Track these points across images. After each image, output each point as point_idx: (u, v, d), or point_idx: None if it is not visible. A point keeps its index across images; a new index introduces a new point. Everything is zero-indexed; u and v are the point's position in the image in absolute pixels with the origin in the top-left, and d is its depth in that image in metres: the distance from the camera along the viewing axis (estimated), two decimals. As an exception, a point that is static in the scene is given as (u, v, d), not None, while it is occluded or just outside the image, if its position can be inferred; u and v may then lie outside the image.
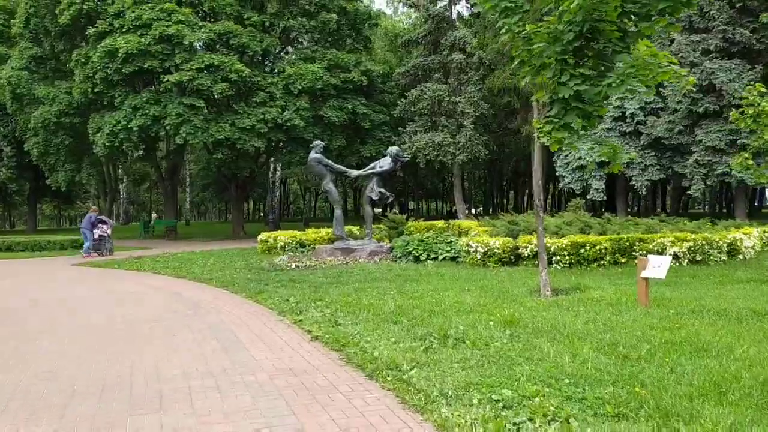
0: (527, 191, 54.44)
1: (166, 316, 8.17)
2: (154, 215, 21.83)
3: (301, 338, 6.57)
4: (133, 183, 47.69)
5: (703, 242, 11.88)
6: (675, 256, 11.77)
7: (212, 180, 47.14)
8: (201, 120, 24.20)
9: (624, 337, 5.76)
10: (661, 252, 11.83)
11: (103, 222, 20.03)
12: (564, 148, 24.14)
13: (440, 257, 13.85)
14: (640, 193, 24.18)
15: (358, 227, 18.64)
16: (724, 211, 42.73)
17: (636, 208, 43.11)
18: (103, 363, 5.68)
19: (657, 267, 7.12)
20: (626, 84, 7.78)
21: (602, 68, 8.56)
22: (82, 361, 5.79)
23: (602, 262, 11.85)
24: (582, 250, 11.90)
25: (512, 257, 12.79)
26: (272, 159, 32.88)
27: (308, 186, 56.77)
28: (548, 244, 12.16)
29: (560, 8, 7.48)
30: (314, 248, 16.59)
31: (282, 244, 17.15)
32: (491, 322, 6.56)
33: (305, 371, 5.18)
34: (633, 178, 23.00)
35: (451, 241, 14.49)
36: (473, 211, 51.96)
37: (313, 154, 15.63)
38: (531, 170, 34.49)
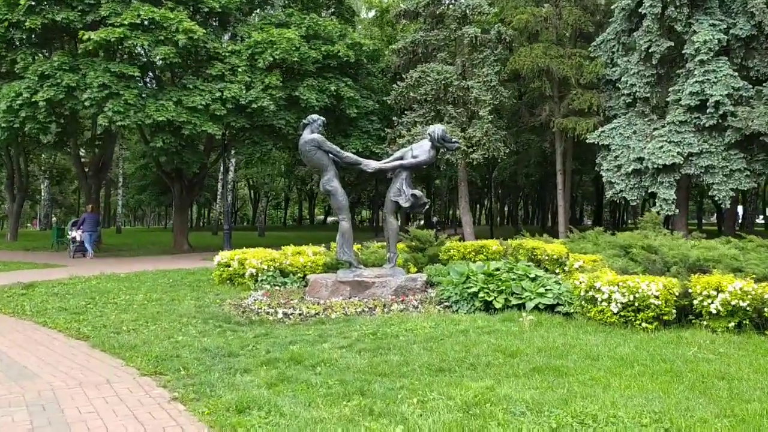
0: (536, 203, 48.41)
1: None
2: (54, 219, 16.76)
3: None
4: (51, 181, 39.41)
5: None
6: None
7: (151, 180, 39.93)
8: (134, 95, 17.80)
9: None
10: None
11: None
12: (614, 148, 18.64)
13: (529, 305, 8.32)
14: (722, 206, 19.17)
15: (359, 245, 12.84)
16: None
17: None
18: None
19: None
20: None
21: None
22: None
23: None
24: (824, 307, 6.64)
25: (673, 310, 7.41)
26: (232, 151, 26.50)
27: (266, 190, 50.08)
28: (756, 293, 6.87)
29: None
30: (304, 278, 10.85)
31: (253, 270, 11.21)
32: None
33: None
34: (713, 186, 17.95)
35: (536, 277, 9.00)
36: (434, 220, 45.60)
37: (307, 135, 9.82)
38: (549, 175, 29.25)
